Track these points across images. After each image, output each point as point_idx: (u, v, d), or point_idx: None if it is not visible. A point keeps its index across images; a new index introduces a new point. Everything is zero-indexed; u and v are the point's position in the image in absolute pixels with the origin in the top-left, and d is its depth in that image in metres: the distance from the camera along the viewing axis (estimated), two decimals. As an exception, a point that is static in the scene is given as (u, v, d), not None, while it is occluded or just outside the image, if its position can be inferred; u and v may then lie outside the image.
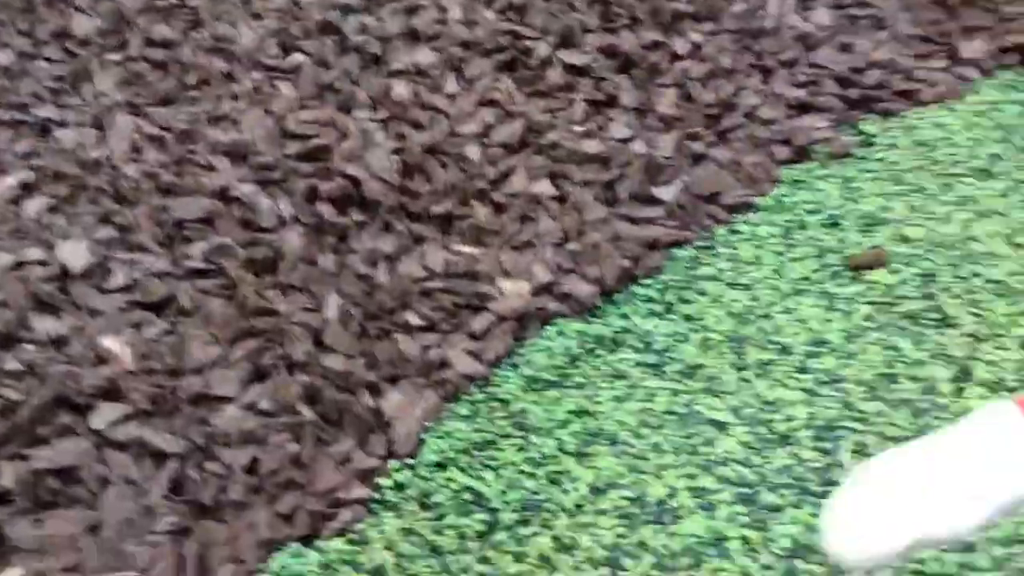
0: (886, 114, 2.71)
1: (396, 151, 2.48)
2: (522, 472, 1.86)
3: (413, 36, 2.81)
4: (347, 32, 2.74)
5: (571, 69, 2.78)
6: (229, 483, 1.79)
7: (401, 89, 2.64)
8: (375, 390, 1.99)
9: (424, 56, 2.74)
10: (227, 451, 1.83)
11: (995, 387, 1.90)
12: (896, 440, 1.82)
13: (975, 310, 2.08)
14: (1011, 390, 1.88)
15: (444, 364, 2.07)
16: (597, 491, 1.80)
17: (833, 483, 1.76)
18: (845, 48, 2.88)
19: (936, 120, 2.67)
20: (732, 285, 2.21)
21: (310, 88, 2.60)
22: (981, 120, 2.65)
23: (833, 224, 2.35)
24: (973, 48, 2.87)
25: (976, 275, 2.17)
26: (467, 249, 2.31)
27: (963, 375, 1.94)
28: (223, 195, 2.27)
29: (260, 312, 2.06)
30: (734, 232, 2.37)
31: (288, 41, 2.71)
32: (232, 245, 2.17)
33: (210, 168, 2.32)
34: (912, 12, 3.02)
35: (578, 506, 1.78)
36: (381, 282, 2.20)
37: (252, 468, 1.83)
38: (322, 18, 2.76)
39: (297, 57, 2.67)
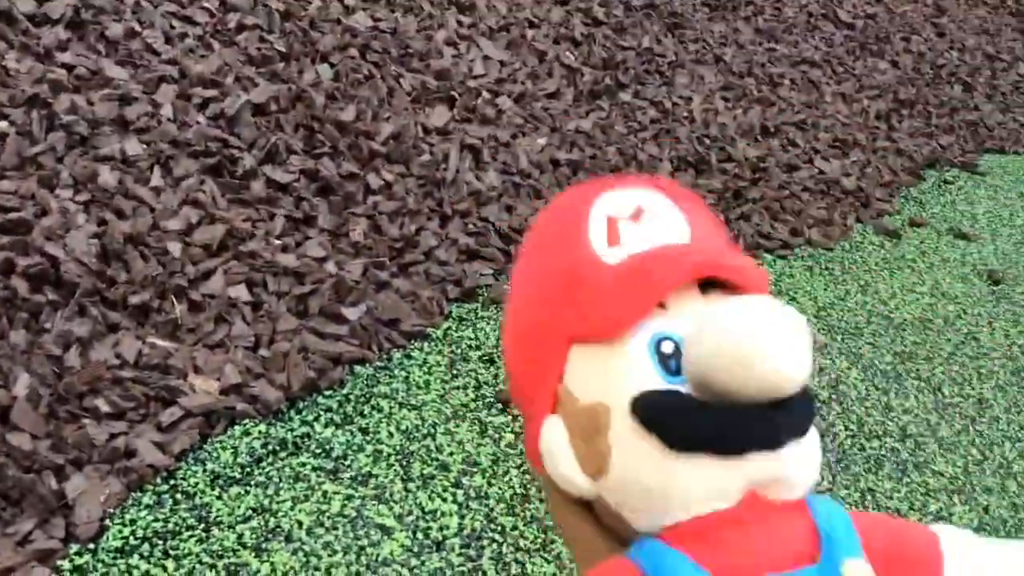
0: (537, 271, 3.23)
1: (96, 236, 2.53)
2: (202, 563, 1.99)
3: (123, 125, 2.88)
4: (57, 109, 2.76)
5: (274, 184, 3.01)
6: None
7: (107, 175, 2.70)
8: (59, 472, 2.03)
9: (132, 147, 2.82)
10: None
11: (603, 512, 2.36)
12: (528, 552, 2.20)
13: (593, 447, 2.57)
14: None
15: (130, 453, 2.15)
16: (273, 583, 1.98)
17: (476, 585, 2.10)
18: (509, 209, 3.39)
19: (574, 283, 3.22)
20: (404, 405, 2.53)
21: (13, 159, 2.59)
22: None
23: (490, 361, 2.76)
24: (606, 227, 3.50)
25: (595, 418, 2.67)
26: (161, 342, 2.41)
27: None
28: (-90, 255, 2.20)
29: (-57, 383, 2.02)
30: (408, 357, 2.69)
31: (-8, 106, 2.68)
32: (-84, 309, 2.11)
33: None
34: (562, 188, 3.62)
35: (255, 596, 1.95)
36: (72, 365, 2.24)
37: (-78, 544, 1.79)
38: (32, 90, 2.75)
39: (2, 125, 2.64)
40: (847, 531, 0.65)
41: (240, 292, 2.62)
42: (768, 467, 0.64)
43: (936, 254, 4.13)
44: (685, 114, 4.59)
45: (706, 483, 0.63)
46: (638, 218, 0.71)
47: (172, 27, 3.36)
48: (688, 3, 5.80)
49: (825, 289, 3.62)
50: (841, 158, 4.79)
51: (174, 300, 2.51)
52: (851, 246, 4.02)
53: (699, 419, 0.63)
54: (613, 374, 0.67)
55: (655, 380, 0.65)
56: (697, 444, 0.63)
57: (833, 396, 2.99)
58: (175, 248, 2.62)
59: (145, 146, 2.87)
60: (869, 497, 2.63)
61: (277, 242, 2.82)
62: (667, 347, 0.65)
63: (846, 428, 2.87)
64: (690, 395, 0.64)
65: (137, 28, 3.22)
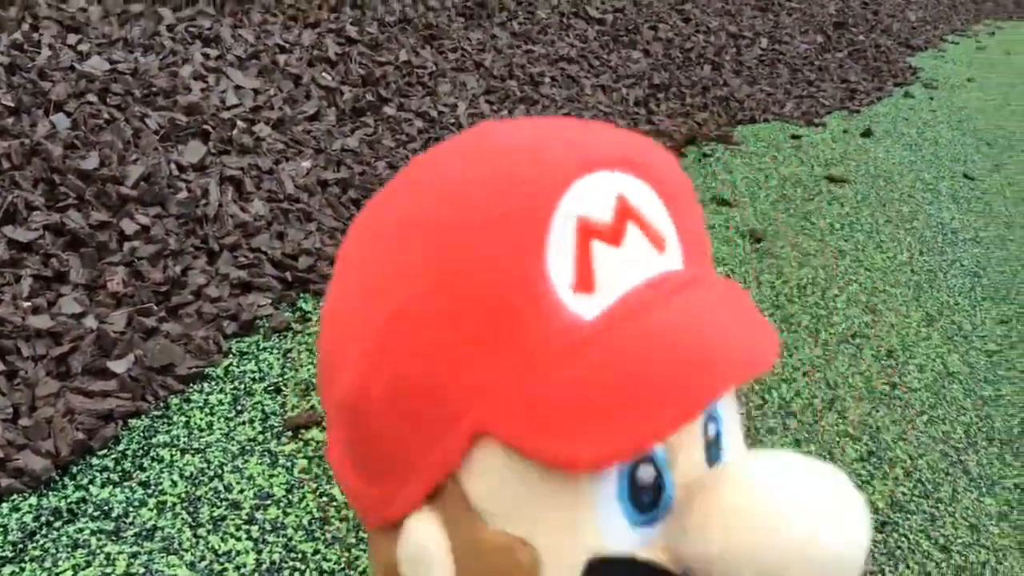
0: (318, 294, 3.18)
1: None
2: (-27, 655, 1.84)
3: None
4: None
5: (16, 245, 2.82)
6: None
7: None
8: None
9: None
10: None
11: (407, 520, 2.35)
12: (332, 574, 2.15)
13: (390, 458, 2.55)
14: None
15: None
16: (57, 661, 1.85)
17: (281, 618, 2.03)
18: (280, 236, 3.33)
19: (356, 300, 3.20)
20: (186, 450, 2.42)
21: None
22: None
23: (276, 391, 2.69)
24: (383, 241, 3.50)
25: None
26: (-98, 430, 2.22)
27: (383, 513, 2.36)
28: None
29: None
30: (188, 401, 2.59)
31: None
32: None
33: None
34: (334, 209, 3.59)
35: None
36: None
37: None
38: None
39: None
40: None
41: (-11, 362, 2.44)
42: None
43: (702, 222, 4.36)
44: (452, 120, 4.66)
45: None
46: (619, 237, 0.43)
47: None
48: (443, 14, 5.89)
49: (603, 269, 3.75)
50: (606, 145, 4.99)
51: (-88, 382, 2.31)
52: (623, 226, 4.18)
53: None
54: (555, 510, 0.41)
55: (620, 528, 0.42)
56: None
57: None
58: (-93, 327, 2.41)
59: None
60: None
61: (26, 304, 2.64)
62: (646, 474, 0.42)
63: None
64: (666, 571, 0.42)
65: None
